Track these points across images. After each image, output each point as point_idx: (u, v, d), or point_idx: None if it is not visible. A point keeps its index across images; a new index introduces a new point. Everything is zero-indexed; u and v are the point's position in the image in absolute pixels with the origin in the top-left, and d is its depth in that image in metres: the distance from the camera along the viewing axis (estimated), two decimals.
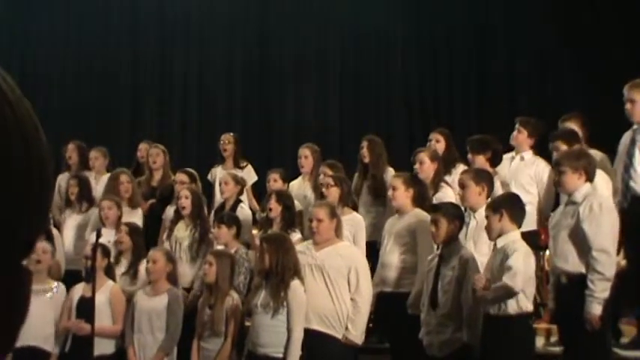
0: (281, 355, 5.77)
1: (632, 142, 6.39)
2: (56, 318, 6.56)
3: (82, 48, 11.51)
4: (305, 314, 5.85)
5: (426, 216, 6.28)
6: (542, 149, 7.24)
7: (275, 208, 6.95)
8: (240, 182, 7.88)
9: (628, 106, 6.42)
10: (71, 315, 6.53)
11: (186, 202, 7.25)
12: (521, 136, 7.24)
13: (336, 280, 5.99)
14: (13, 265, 0.75)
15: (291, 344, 5.76)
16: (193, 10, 11.46)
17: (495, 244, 5.57)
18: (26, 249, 0.75)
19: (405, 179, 6.61)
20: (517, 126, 7.28)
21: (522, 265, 5.34)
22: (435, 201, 6.64)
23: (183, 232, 7.24)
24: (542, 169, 7.10)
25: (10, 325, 0.76)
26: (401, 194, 6.51)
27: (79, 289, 6.60)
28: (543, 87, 10.07)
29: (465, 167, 7.18)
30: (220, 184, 7.90)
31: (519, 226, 5.57)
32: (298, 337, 5.78)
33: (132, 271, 6.92)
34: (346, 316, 5.99)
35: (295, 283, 5.81)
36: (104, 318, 6.42)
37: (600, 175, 6.08)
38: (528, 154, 7.24)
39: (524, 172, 7.11)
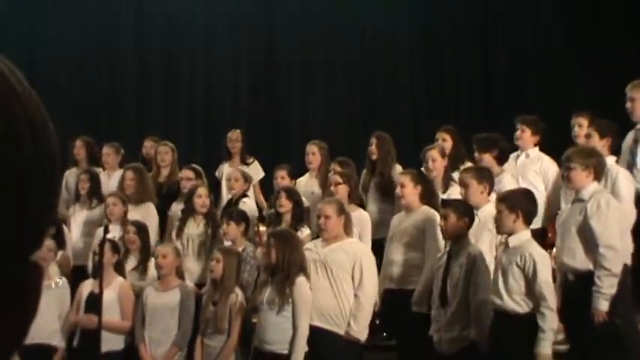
0: (286, 352, 5.75)
1: (635, 141, 6.43)
2: (61, 313, 6.57)
3: (88, 47, 11.50)
4: (310, 311, 5.84)
5: (433, 213, 6.26)
6: (549, 147, 7.25)
7: (286, 205, 6.96)
8: (248, 179, 7.96)
9: (629, 105, 6.50)
10: (80, 311, 6.53)
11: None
12: (525, 135, 7.22)
13: (339, 276, 5.95)
14: (22, 261, 0.74)
15: (296, 341, 5.74)
16: (199, 10, 11.45)
17: (507, 243, 5.48)
18: (35, 245, 0.75)
19: (413, 176, 6.58)
20: (519, 125, 7.24)
21: (549, 276, 5.34)
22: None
23: (195, 229, 7.25)
24: (547, 164, 7.08)
25: (20, 321, 0.75)
26: (409, 191, 6.47)
27: (89, 285, 6.59)
28: (550, 86, 10.02)
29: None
30: (229, 180, 7.92)
31: (529, 226, 5.54)
32: (304, 333, 5.76)
33: (141, 267, 6.91)
34: (349, 312, 5.95)
35: (301, 280, 5.79)
36: (113, 314, 6.41)
37: (625, 175, 6.07)
38: (534, 151, 7.22)
39: (530, 168, 7.10)
